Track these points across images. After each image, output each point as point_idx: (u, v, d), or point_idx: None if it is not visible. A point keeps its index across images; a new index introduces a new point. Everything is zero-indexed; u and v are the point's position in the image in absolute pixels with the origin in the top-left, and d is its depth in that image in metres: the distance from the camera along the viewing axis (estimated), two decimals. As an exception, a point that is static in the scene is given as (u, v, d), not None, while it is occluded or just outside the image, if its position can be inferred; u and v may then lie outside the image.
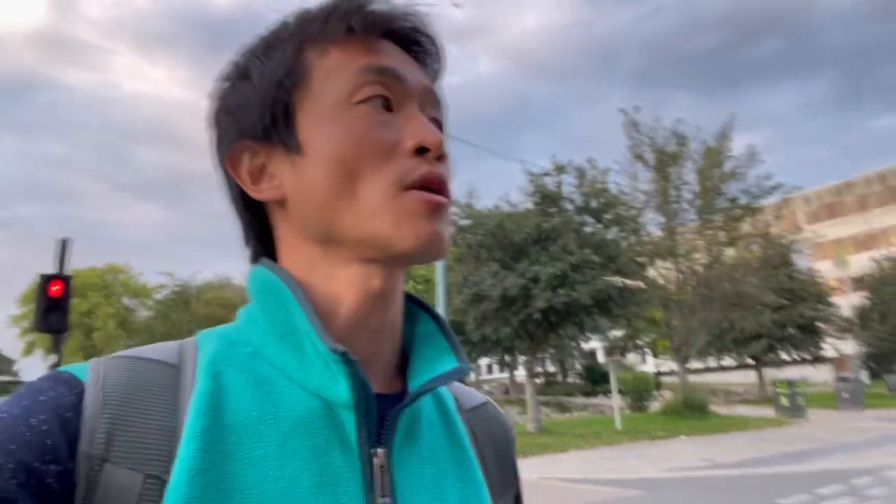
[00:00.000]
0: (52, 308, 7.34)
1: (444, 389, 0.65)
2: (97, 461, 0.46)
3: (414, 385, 0.57)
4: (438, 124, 0.60)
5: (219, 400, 0.50)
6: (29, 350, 73.04)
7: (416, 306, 0.64)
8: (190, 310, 37.86)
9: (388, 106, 0.56)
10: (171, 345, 0.56)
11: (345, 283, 0.56)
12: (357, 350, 0.53)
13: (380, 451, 0.53)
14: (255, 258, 0.62)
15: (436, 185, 0.55)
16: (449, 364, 0.58)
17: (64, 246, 7.91)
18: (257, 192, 0.58)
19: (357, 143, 0.54)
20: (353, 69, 0.56)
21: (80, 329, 56.61)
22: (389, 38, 0.59)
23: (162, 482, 0.46)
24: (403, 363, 0.62)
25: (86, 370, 0.51)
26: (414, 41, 0.60)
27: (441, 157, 0.56)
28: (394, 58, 0.58)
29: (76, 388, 0.48)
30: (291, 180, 0.56)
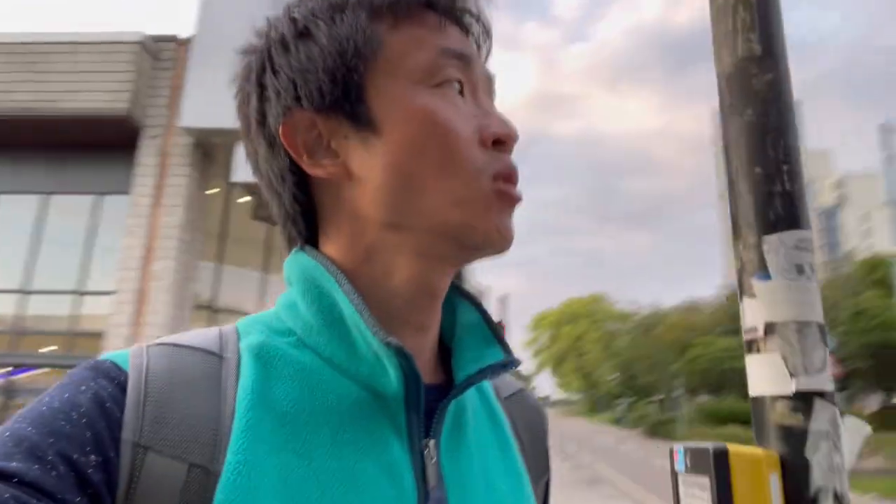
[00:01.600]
0: None
1: None
2: (140, 450, 0.45)
3: (461, 376, 0.56)
4: None
5: (267, 391, 0.49)
6: (538, 369, 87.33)
7: (458, 294, 0.62)
8: (653, 335, 39.80)
9: (461, 91, 0.55)
10: (212, 332, 0.55)
11: (402, 276, 0.54)
12: (406, 341, 0.53)
13: (430, 442, 0.53)
14: (291, 241, 0.60)
15: (514, 181, 0.54)
16: (496, 356, 0.57)
17: (504, 300, 10.92)
18: (316, 168, 0.54)
19: (442, 127, 0.52)
20: (431, 49, 0.54)
21: (574, 352, 65.34)
22: (458, 21, 0.57)
23: (206, 472, 0.45)
24: (444, 353, 0.61)
25: (127, 358, 0.50)
26: (473, 28, 0.59)
27: (512, 150, 0.55)
28: (464, 43, 0.56)
29: (118, 378, 0.48)
30: (362, 159, 0.53)
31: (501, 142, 0.54)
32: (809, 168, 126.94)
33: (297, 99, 0.54)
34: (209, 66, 9.95)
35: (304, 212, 0.58)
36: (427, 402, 0.53)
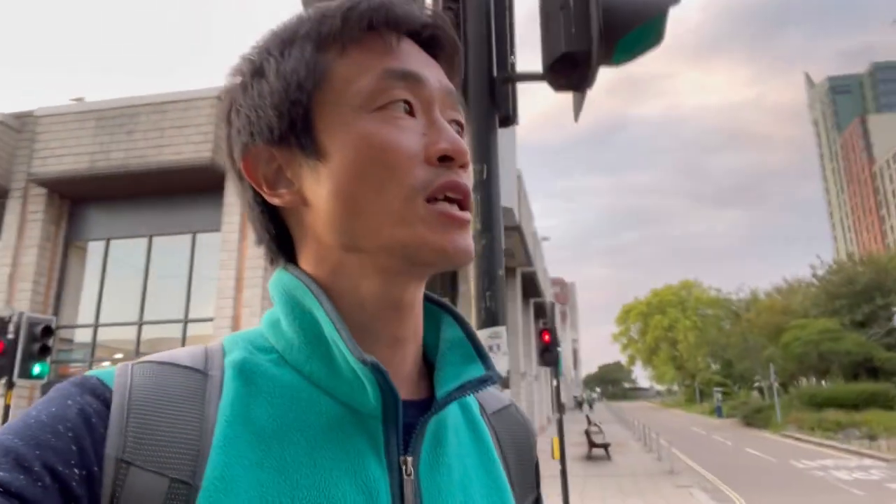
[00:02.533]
0: (545, 351, 10.83)
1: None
2: (123, 465, 0.46)
3: (441, 392, 0.57)
4: (460, 126, 0.59)
5: (247, 408, 0.50)
6: (631, 361, 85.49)
7: (441, 309, 0.63)
8: (745, 319, 38.48)
9: (410, 111, 0.55)
10: (199, 349, 0.56)
11: (367, 292, 0.55)
12: (379, 358, 0.53)
13: (408, 459, 0.53)
14: (272, 262, 0.62)
15: (460, 195, 0.54)
16: (477, 371, 0.58)
17: (552, 307, 11.46)
18: (275, 198, 0.57)
19: (380, 150, 0.53)
20: (374, 72, 0.54)
21: (666, 342, 63.76)
22: (410, 38, 0.58)
23: (187, 486, 0.46)
24: (426, 367, 0.61)
25: (113, 376, 0.51)
26: (434, 42, 0.59)
27: (463, 166, 0.55)
28: (415, 60, 0.56)
29: (103, 394, 0.49)
30: (312, 186, 0.55)
31: (448, 158, 0.54)
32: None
33: (256, 134, 0.56)
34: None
35: (278, 236, 0.60)
36: (408, 418, 0.54)
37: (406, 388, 0.58)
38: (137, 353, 13.32)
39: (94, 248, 14.19)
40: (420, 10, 0.58)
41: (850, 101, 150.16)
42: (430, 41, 0.59)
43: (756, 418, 30.24)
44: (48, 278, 13.68)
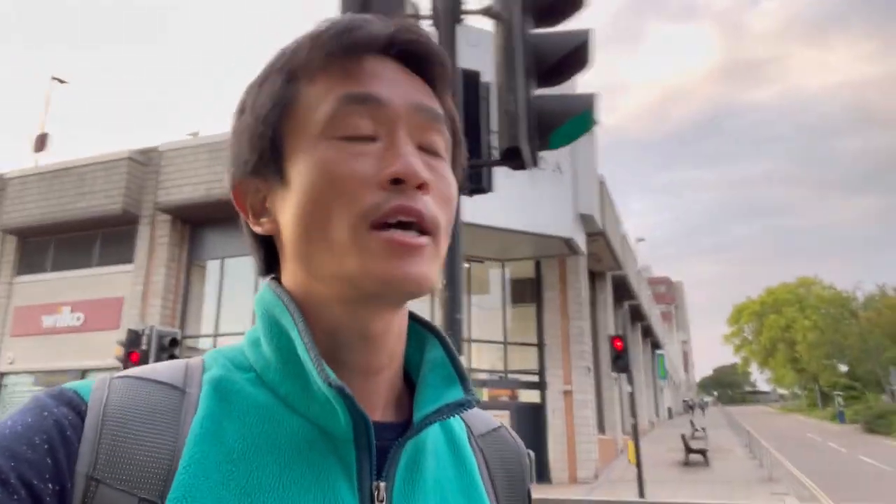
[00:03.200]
0: (617, 358, 11.07)
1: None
2: (93, 482, 0.45)
3: (419, 415, 0.56)
4: (433, 148, 0.57)
5: (219, 426, 0.50)
6: (745, 364, 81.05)
7: (425, 329, 0.63)
8: (866, 318, 35.78)
9: (372, 134, 0.54)
10: (179, 364, 0.56)
11: (335, 321, 0.55)
12: (353, 382, 0.53)
13: (381, 484, 0.52)
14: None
15: (412, 217, 0.52)
16: (456, 394, 0.57)
17: (627, 313, 11.71)
18: (257, 226, 0.58)
19: (328, 177, 0.52)
20: (334, 98, 0.54)
21: (783, 343, 60.10)
22: (385, 54, 0.57)
23: None
24: (411, 390, 0.61)
25: (90, 389, 0.50)
26: (411, 56, 0.58)
27: (422, 187, 0.53)
28: (381, 80, 0.55)
29: (78, 408, 0.48)
30: (281, 214, 0.56)
31: (400, 181, 0.52)
32: None
33: (240, 167, 0.58)
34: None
35: (268, 260, 0.61)
36: (384, 441, 0.53)
37: (383, 411, 0.57)
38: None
39: (212, 267, 15.95)
40: (387, 26, 0.57)
41: None
42: (406, 56, 0.58)
43: (878, 424, 28.11)
44: (174, 294, 15.51)
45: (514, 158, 2.53)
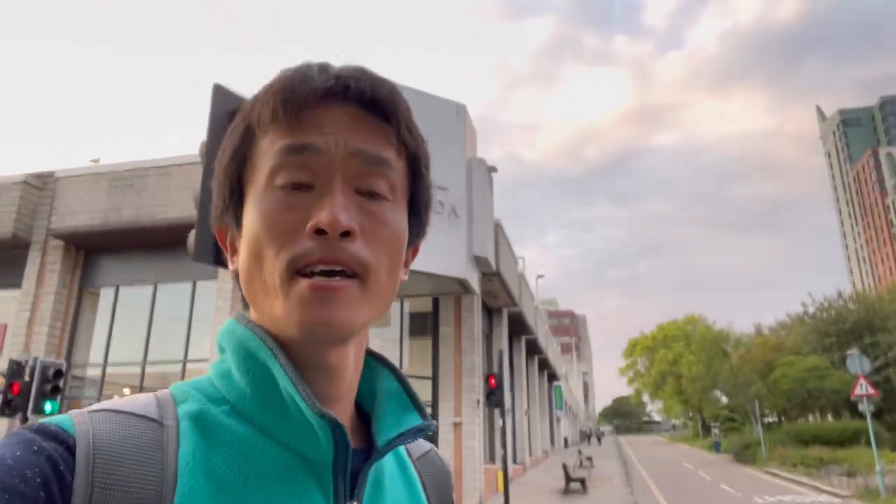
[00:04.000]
0: (490, 394, 11.93)
1: None
2: None
3: (382, 440, 0.60)
4: (373, 192, 0.58)
5: (207, 458, 0.52)
6: (637, 395, 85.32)
7: (377, 362, 0.66)
8: (740, 355, 39.08)
9: (308, 182, 0.56)
10: (148, 398, 0.56)
11: (295, 355, 0.57)
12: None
13: (354, 503, 0.57)
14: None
15: (335, 265, 0.54)
16: (414, 420, 0.62)
17: (501, 355, 12.55)
18: (230, 265, 0.63)
19: (262, 226, 0.55)
20: (275, 150, 0.57)
21: (672, 375, 64.01)
22: (335, 101, 0.58)
23: None
24: (363, 417, 0.65)
25: (72, 424, 0.50)
26: (362, 99, 0.59)
27: (347, 234, 0.54)
28: (320, 129, 0.57)
29: (66, 442, 0.48)
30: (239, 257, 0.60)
31: (323, 231, 0.54)
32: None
33: (215, 212, 0.63)
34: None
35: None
36: (354, 465, 0.57)
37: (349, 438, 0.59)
38: (142, 389, 14.71)
39: (105, 294, 15.74)
40: (329, 76, 0.58)
41: (861, 133, 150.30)
42: (355, 99, 0.58)
43: (745, 454, 30.74)
44: (63, 322, 15.20)
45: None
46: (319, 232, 0.54)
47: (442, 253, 14.85)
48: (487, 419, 20.09)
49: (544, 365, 38.74)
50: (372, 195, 0.58)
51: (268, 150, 0.58)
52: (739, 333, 47.98)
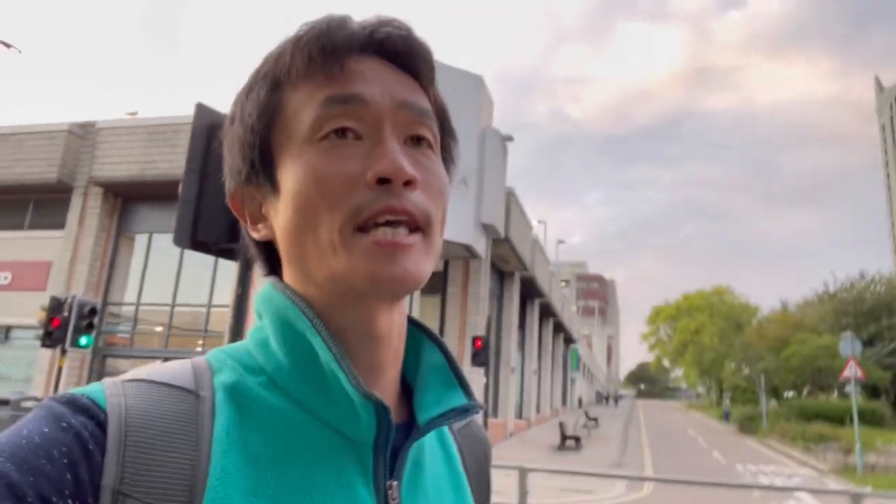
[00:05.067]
0: (476, 354, 12.87)
1: None
2: (120, 497, 0.44)
3: (423, 418, 0.58)
4: (421, 143, 0.57)
5: (242, 435, 0.50)
6: (658, 362, 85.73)
7: (423, 333, 0.63)
8: (757, 331, 39.29)
9: (357, 135, 0.54)
10: (185, 366, 0.55)
11: (339, 322, 0.55)
12: (366, 385, 0.53)
13: (394, 483, 0.55)
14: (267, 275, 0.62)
15: (402, 216, 0.52)
16: (459, 399, 0.59)
17: (489, 320, 13.46)
18: (255, 233, 0.59)
19: (314, 181, 0.53)
20: (317, 102, 0.54)
21: (693, 345, 64.35)
22: (367, 52, 0.57)
23: None
24: (406, 390, 0.62)
25: (104, 395, 0.49)
26: (394, 52, 0.57)
27: (409, 183, 0.53)
28: (363, 79, 0.55)
29: (97, 417, 0.47)
30: (275, 220, 0.57)
31: (386, 180, 0.52)
32: None
33: (235, 177, 0.59)
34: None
35: (269, 259, 0.61)
36: (394, 442, 0.55)
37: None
38: (170, 329, 16.15)
39: (140, 240, 17.08)
40: (366, 25, 0.57)
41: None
42: (390, 52, 0.57)
43: (749, 426, 31.46)
44: (101, 262, 16.61)
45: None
46: (381, 181, 0.52)
47: (451, 219, 15.48)
48: (495, 377, 21.19)
49: (559, 328, 39.68)
50: (420, 147, 0.57)
51: (305, 104, 0.55)
52: (759, 308, 47.90)
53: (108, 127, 16.70)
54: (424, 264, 0.54)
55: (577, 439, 20.33)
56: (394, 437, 0.55)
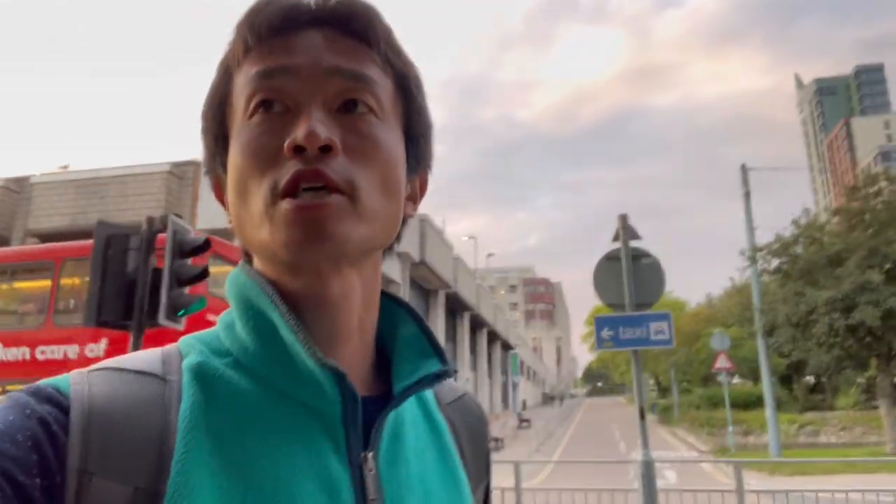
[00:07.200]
0: None
1: None
2: (86, 475, 0.45)
3: (398, 388, 0.57)
4: (357, 108, 0.55)
5: (206, 413, 0.50)
6: (599, 361, 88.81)
7: (396, 305, 0.64)
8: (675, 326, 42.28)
9: (286, 107, 0.54)
10: (154, 353, 0.55)
11: (291, 291, 0.55)
12: (326, 355, 0.52)
13: (368, 455, 0.54)
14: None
15: (316, 182, 0.51)
16: (433, 366, 0.58)
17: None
18: (229, 220, 0.59)
19: (242, 157, 0.54)
20: (249, 79, 0.55)
21: (629, 342, 67.52)
22: (310, 26, 0.56)
23: (151, 494, 0.46)
24: (385, 364, 0.62)
25: (69, 384, 0.49)
26: (335, 20, 0.56)
27: (326, 149, 0.51)
28: (294, 51, 0.55)
29: (61, 404, 0.48)
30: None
31: (301, 148, 0.51)
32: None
33: (207, 162, 0.61)
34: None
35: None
36: (366, 413, 0.54)
37: (361, 385, 0.57)
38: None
39: (77, 284, 18.30)
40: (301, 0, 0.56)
41: (836, 102, 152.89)
42: (331, 22, 0.57)
43: (665, 416, 34.29)
44: (41, 309, 17.74)
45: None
46: (298, 150, 0.51)
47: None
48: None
49: (495, 336, 41.86)
50: (354, 110, 0.55)
51: (243, 84, 0.56)
52: (687, 303, 51.22)
53: (41, 182, 17.98)
54: (349, 227, 0.52)
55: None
56: (369, 410, 0.55)
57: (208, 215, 15.65)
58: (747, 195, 19.95)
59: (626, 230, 6.27)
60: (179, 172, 17.10)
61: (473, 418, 0.71)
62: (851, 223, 18.83)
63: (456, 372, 0.62)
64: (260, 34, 0.56)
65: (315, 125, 0.51)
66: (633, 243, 6.43)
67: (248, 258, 0.61)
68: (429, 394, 0.67)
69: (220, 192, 0.61)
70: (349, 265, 0.55)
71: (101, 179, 17.37)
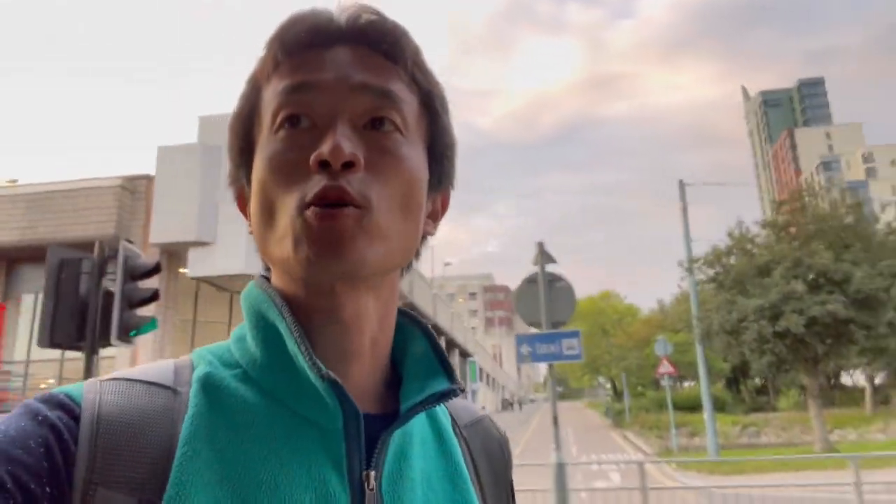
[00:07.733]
0: None
1: (439, 406, 0.63)
2: (92, 486, 0.45)
3: (405, 406, 0.57)
4: (382, 125, 0.56)
5: (208, 424, 0.50)
6: (555, 367, 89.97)
7: (410, 323, 0.63)
8: (627, 331, 43.59)
9: (312, 122, 0.55)
10: (167, 364, 0.56)
11: (307, 307, 0.55)
12: (331, 369, 0.52)
13: (371, 473, 0.53)
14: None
15: (336, 199, 0.51)
16: (441, 385, 0.58)
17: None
18: (250, 228, 0.59)
19: (267, 171, 0.54)
20: (275, 94, 0.56)
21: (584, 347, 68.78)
22: (338, 43, 0.57)
23: None
24: (399, 383, 0.61)
25: (81, 393, 0.50)
26: (364, 37, 0.58)
27: (349, 165, 0.52)
28: (321, 67, 0.56)
29: (73, 412, 0.48)
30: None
31: (326, 163, 0.52)
32: (839, 141, 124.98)
33: (233, 175, 0.63)
34: (169, 197, 15.39)
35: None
36: (373, 431, 0.54)
37: (370, 403, 0.57)
38: (60, 380, 17.34)
39: (27, 300, 18.14)
40: (330, 15, 0.58)
41: (780, 114, 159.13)
42: (359, 38, 0.58)
43: (618, 419, 35.34)
44: (-12, 325, 17.54)
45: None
46: (323, 165, 0.52)
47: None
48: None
49: (452, 344, 42.37)
50: (381, 127, 0.56)
51: (271, 98, 0.57)
52: (640, 310, 52.68)
53: (-12, 196, 17.78)
54: (368, 245, 0.52)
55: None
56: (377, 428, 0.55)
57: (161, 230, 15.76)
58: (684, 210, 20.98)
59: (543, 256, 6.85)
60: (131, 186, 17.15)
61: (493, 443, 0.70)
62: (779, 235, 20.04)
63: (463, 390, 0.62)
64: (290, 50, 0.57)
65: (340, 140, 0.52)
66: (549, 267, 7.02)
67: (268, 271, 0.62)
68: (443, 415, 0.66)
69: (242, 203, 0.63)
70: (365, 286, 0.56)
71: (52, 194, 17.29)
